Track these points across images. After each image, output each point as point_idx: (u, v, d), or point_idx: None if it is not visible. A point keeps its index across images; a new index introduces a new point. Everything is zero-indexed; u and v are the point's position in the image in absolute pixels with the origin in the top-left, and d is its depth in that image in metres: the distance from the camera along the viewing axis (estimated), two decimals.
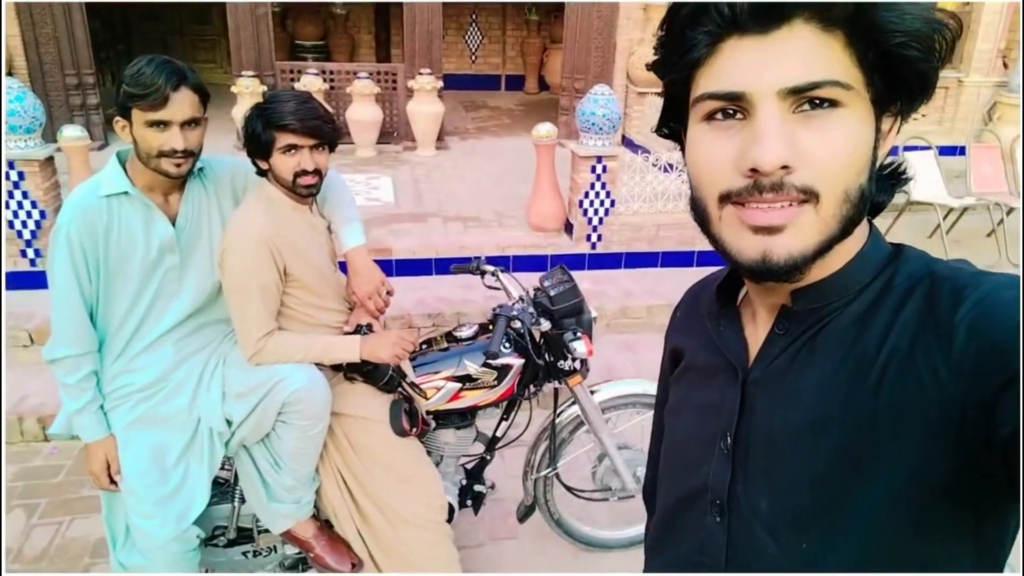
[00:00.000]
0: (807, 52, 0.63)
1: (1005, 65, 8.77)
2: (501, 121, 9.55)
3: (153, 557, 2.12)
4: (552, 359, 2.50)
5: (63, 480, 3.34)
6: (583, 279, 4.49)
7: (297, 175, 2.08)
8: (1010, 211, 6.29)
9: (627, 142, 7.41)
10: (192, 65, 2.05)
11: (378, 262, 4.78)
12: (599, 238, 5.03)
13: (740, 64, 0.65)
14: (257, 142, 2.08)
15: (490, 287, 2.73)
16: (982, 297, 0.62)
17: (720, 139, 0.68)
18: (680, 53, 0.69)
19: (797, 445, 0.71)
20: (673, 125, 0.80)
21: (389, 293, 2.42)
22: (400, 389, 2.33)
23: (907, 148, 6.66)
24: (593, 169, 4.86)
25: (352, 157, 7.15)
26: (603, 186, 4.91)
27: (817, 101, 0.64)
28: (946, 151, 6.96)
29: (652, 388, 2.78)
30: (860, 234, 0.73)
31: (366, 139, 7.31)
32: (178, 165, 1.97)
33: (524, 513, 2.90)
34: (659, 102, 0.80)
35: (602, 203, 4.95)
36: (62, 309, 2.01)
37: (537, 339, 2.50)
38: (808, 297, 0.73)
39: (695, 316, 0.93)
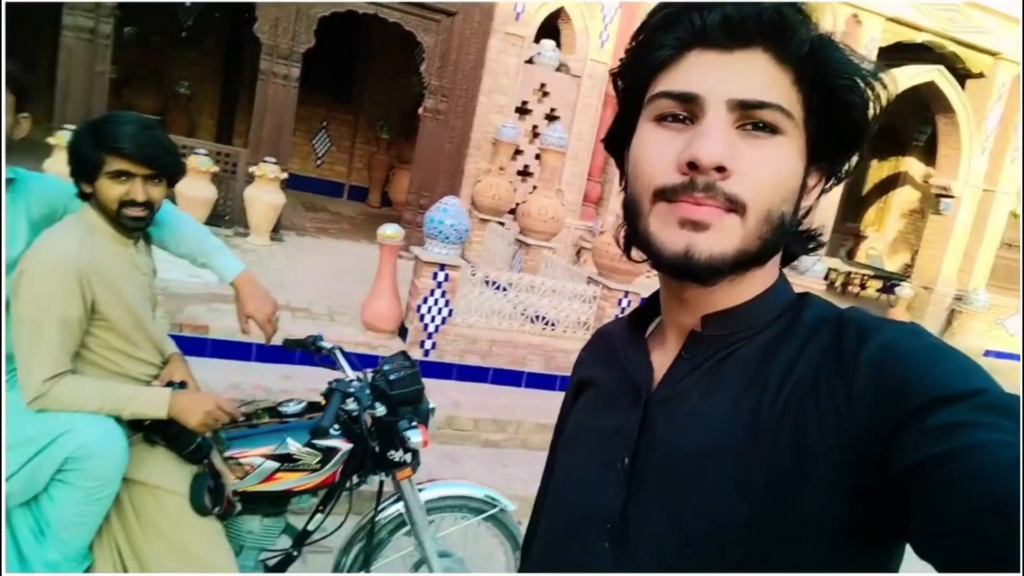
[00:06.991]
0: (761, 75, 0.68)
1: None
2: (341, 226, 9.45)
3: None
4: (382, 448, 2.32)
5: None
6: None
7: (124, 204, 1.86)
8: None
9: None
10: None
11: (192, 340, 4.40)
12: (433, 345, 4.95)
13: (699, 70, 0.69)
14: (83, 162, 1.85)
15: (323, 366, 2.54)
16: (886, 340, 0.64)
17: (665, 138, 0.70)
18: (648, 52, 0.72)
19: (696, 469, 0.69)
20: (618, 144, 0.81)
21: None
22: (207, 461, 2.04)
23: None
24: (435, 276, 4.84)
25: None
26: (443, 294, 4.89)
27: (761, 124, 0.68)
28: None
29: (480, 493, 2.66)
30: (771, 272, 0.76)
31: (194, 217, 6.88)
32: None
33: None
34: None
35: (440, 311, 4.91)
36: None
37: (369, 424, 2.32)
38: (718, 323, 0.75)
39: (604, 347, 0.92)
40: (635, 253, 0.77)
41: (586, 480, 0.80)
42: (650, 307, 0.87)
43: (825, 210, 10.08)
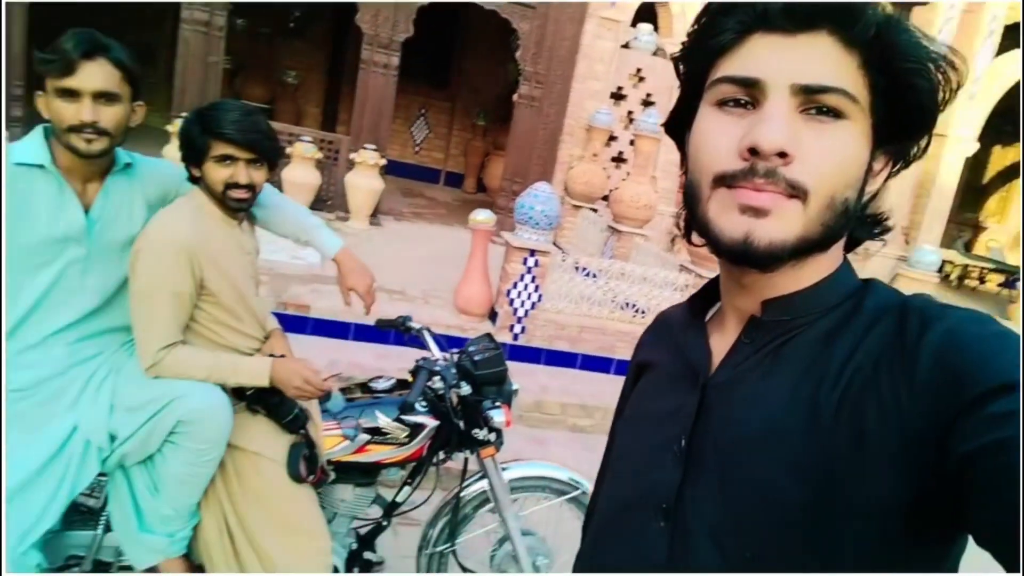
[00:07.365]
0: (826, 59, 0.67)
1: (907, 242, 9.55)
2: (437, 211, 9.65)
3: None
4: (467, 427, 2.40)
5: None
6: None
7: (229, 186, 1.99)
8: None
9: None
10: None
11: (294, 318, 4.63)
12: (522, 330, 5.01)
13: (761, 55, 0.68)
14: (192, 147, 1.99)
15: (412, 346, 2.64)
16: (949, 328, 0.63)
17: (726, 123, 0.70)
18: (710, 36, 0.72)
19: (752, 452, 0.69)
20: (679, 128, 0.81)
21: None
22: (304, 431, 2.16)
23: None
24: (525, 261, 4.90)
25: None
26: (532, 279, 4.94)
27: (824, 109, 0.67)
28: None
29: (563, 475, 2.69)
30: (834, 257, 0.75)
31: (299, 202, 7.21)
32: (88, 141, 1.83)
33: None
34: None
35: (529, 296, 4.97)
36: None
37: (454, 403, 2.39)
38: (778, 308, 0.74)
39: (664, 331, 0.93)
40: (694, 238, 0.77)
41: (643, 461, 0.81)
42: (710, 291, 0.86)
43: (938, 199, 9.53)
